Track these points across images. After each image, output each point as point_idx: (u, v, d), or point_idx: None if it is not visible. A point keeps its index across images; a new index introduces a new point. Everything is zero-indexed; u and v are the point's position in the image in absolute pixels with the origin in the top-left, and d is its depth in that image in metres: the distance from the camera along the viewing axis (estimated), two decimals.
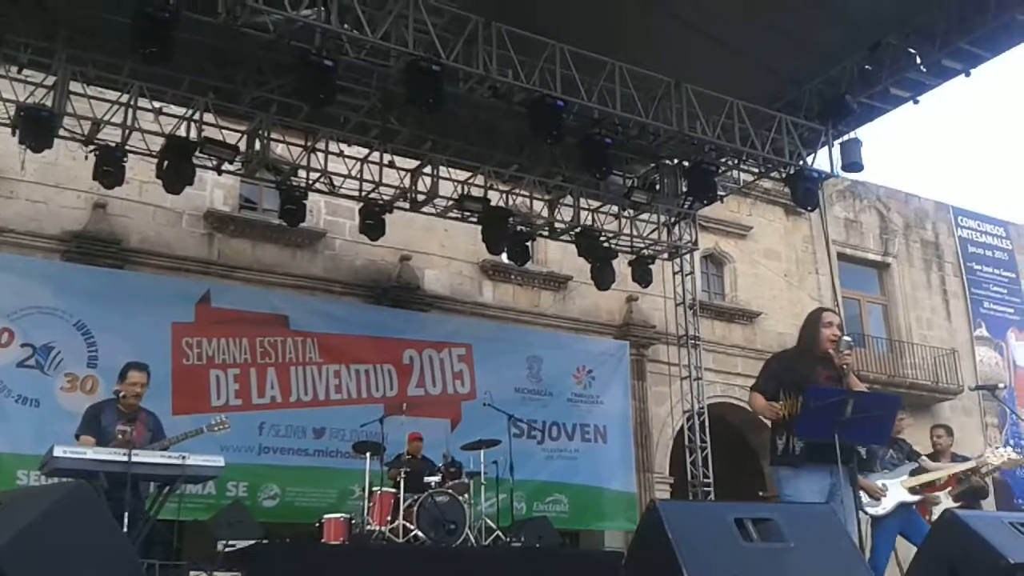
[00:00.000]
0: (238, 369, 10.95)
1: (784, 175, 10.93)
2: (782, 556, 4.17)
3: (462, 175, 11.70)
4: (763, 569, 4.02)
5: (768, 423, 5.52)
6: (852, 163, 10.73)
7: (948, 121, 56.02)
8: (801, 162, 10.54)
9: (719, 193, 11.33)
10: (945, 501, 7.88)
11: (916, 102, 10.43)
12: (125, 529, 5.67)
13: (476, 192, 11.59)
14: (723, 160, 11.31)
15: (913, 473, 7.58)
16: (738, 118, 10.02)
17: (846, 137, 10.72)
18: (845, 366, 5.43)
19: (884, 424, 5.41)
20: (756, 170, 11.62)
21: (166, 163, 9.52)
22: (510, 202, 12.00)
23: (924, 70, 9.94)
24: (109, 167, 9.52)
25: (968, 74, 9.85)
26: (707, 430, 12.47)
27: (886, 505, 7.32)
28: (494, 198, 11.70)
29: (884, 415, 5.40)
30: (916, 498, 7.56)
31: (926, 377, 17.23)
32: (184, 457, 6.26)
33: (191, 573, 6.14)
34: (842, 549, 4.40)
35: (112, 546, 3.82)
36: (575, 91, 8.96)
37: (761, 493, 13.10)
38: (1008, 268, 19.96)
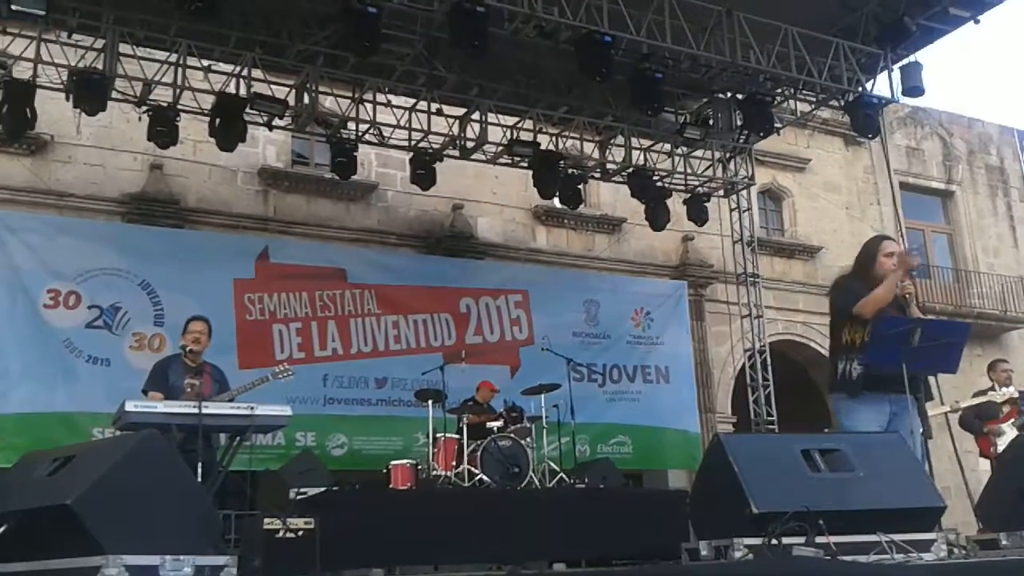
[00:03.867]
0: (300, 323, 11.11)
1: (843, 103, 10.64)
2: (850, 486, 4.14)
3: (510, 120, 11.60)
4: (831, 499, 3.98)
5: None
6: (912, 87, 10.37)
7: (1012, 40, 53.90)
8: (860, 89, 10.22)
9: (775, 125, 11.06)
10: (1009, 432, 7.86)
11: (977, 22, 10.05)
12: (199, 480, 5.82)
13: (525, 136, 11.48)
14: (779, 90, 11.05)
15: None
16: (793, 46, 9.72)
17: (905, 61, 10.36)
18: (908, 295, 5.30)
19: (952, 352, 5.27)
20: (813, 99, 11.31)
21: (218, 121, 9.58)
22: (560, 145, 11.88)
23: None
24: (163, 127, 9.62)
25: None
26: (769, 368, 12.35)
27: None
28: (544, 142, 11.59)
29: (953, 343, 5.27)
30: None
31: (993, 306, 16.79)
32: (253, 408, 6.37)
33: (265, 520, 6.29)
34: (912, 476, 4.35)
35: (186, 489, 3.91)
36: (623, 26, 8.76)
37: (827, 430, 12.96)
38: None
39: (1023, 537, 4.61)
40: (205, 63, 9.80)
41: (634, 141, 11.97)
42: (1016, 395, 8.10)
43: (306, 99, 10.24)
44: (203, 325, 6.95)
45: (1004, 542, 4.69)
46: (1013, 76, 53.40)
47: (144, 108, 9.65)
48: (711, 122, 11.71)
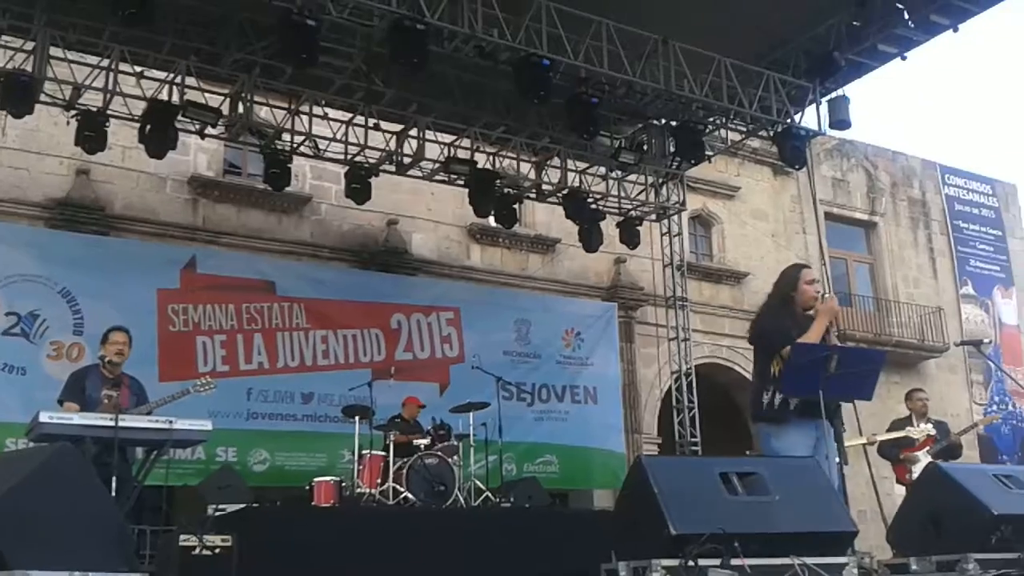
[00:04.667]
0: (225, 335, 10.91)
1: (772, 133, 10.90)
2: (767, 509, 4.21)
3: (448, 137, 11.61)
4: (747, 522, 4.05)
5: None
6: (839, 121, 10.70)
7: (936, 78, 55.92)
8: (788, 120, 10.50)
9: (707, 153, 11.30)
10: (924, 459, 8.08)
11: (904, 58, 10.41)
12: (113, 494, 5.67)
13: (463, 154, 11.51)
14: (711, 119, 11.27)
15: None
16: (726, 76, 9.96)
17: (833, 94, 10.69)
18: (828, 323, 5.40)
19: (868, 380, 5.41)
20: (744, 129, 11.57)
21: (148, 127, 9.42)
22: (497, 164, 11.94)
23: (912, 25, 9.89)
24: (91, 132, 9.42)
25: (956, 29, 9.82)
26: (695, 390, 12.53)
27: None
28: (481, 160, 11.63)
29: (869, 370, 5.41)
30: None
31: (912, 335, 17.32)
32: (171, 422, 6.25)
33: (181, 537, 6.16)
34: (826, 501, 4.44)
35: (98, 507, 3.81)
36: (561, 50, 8.87)
37: (748, 452, 13.18)
38: (994, 226, 19.99)
39: (932, 562, 4.74)
40: (138, 69, 9.62)
41: (570, 163, 12.09)
42: (933, 433, 8.31)
43: (240, 108, 10.13)
44: (124, 336, 6.80)
45: (914, 567, 4.82)
46: (937, 111, 55.38)
47: (73, 112, 9.45)
48: (645, 148, 11.92)
